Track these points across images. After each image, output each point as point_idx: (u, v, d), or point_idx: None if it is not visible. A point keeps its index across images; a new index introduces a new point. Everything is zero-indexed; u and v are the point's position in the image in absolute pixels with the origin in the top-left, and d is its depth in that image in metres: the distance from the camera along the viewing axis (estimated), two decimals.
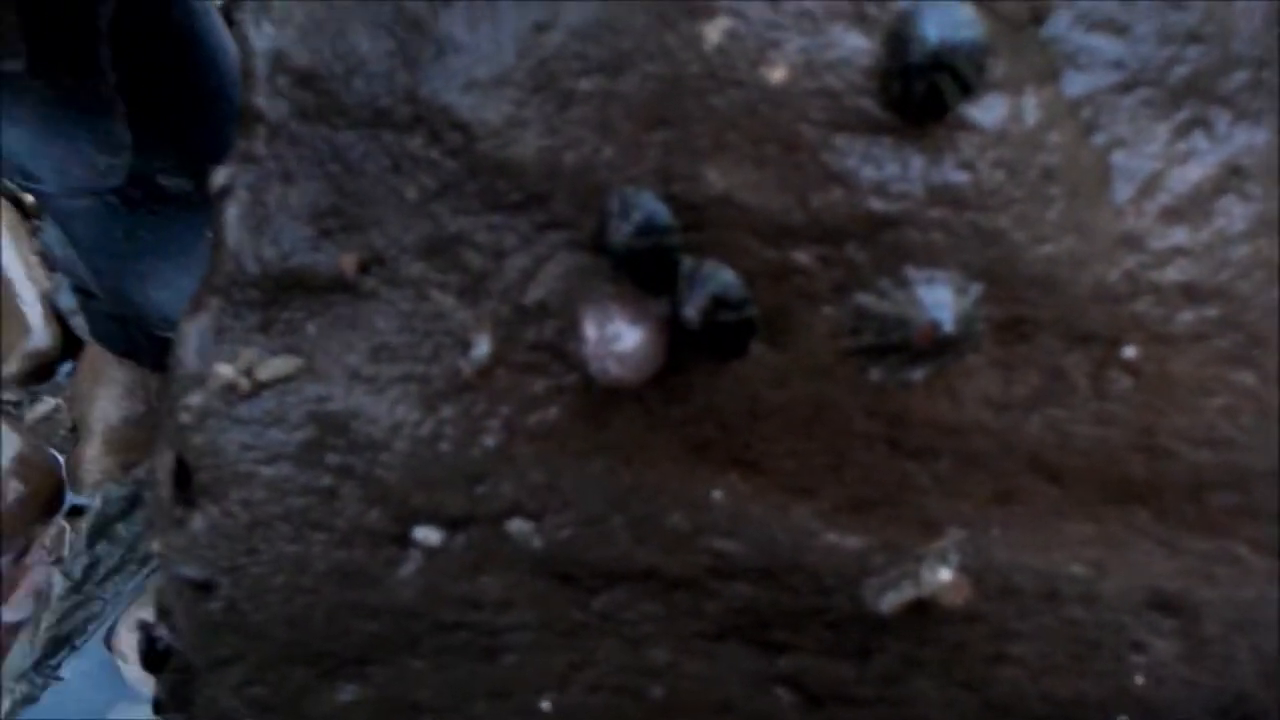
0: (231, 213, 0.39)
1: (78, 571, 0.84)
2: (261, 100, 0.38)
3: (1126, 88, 0.34)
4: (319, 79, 0.37)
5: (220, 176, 0.40)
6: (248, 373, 0.39)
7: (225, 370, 0.39)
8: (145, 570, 0.85)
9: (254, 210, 0.39)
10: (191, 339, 0.40)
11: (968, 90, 0.33)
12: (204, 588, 0.41)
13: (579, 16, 0.34)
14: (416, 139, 0.37)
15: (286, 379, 0.39)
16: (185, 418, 0.40)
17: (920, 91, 0.32)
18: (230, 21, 0.82)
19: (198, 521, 0.41)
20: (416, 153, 0.37)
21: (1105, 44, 0.34)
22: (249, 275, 0.39)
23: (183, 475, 0.41)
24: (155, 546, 0.43)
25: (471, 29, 0.35)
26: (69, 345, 1.04)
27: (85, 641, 0.82)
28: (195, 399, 0.40)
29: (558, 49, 0.34)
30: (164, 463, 0.42)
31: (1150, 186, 0.34)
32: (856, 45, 0.33)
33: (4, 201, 1.09)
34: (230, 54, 0.80)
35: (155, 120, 0.76)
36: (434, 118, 0.36)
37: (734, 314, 0.34)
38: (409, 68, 0.36)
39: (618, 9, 0.34)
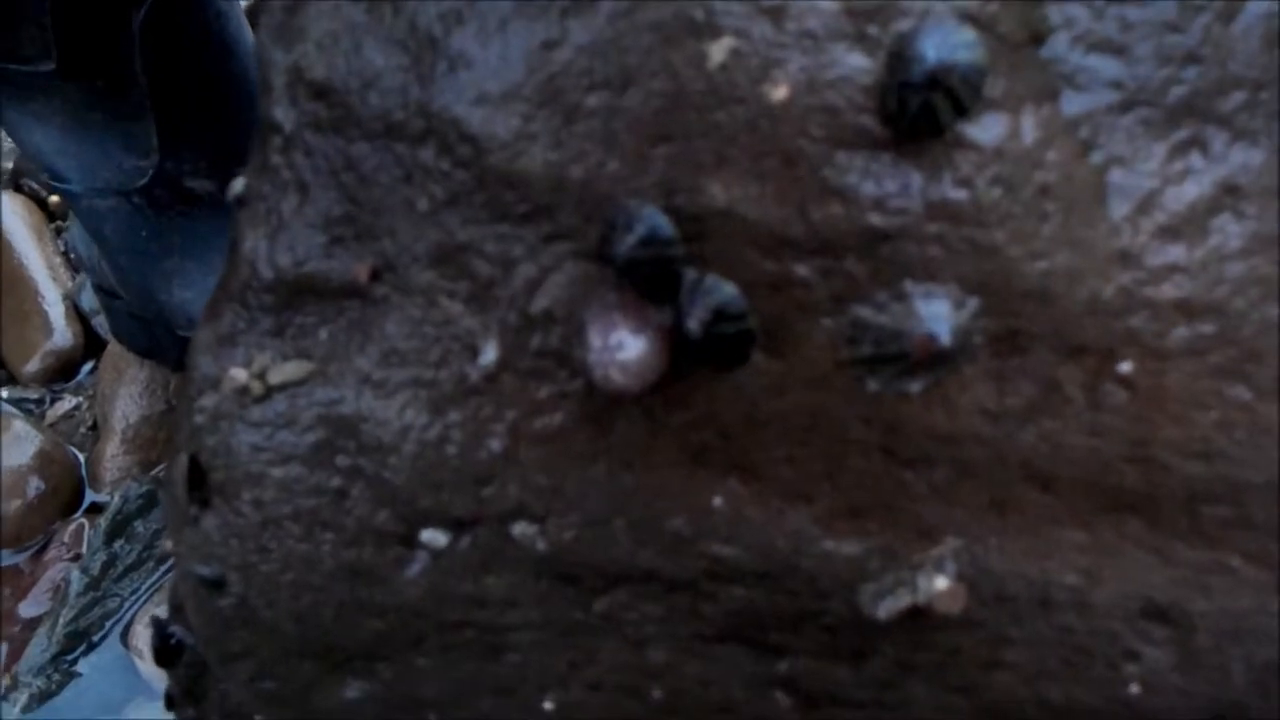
0: (247, 220, 0.40)
1: (96, 568, 0.84)
2: (278, 111, 0.39)
3: (1124, 107, 0.34)
4: (335, 92, 0.38)
5: (237, 185, 0.41)
6: (260, 376, 0.40)
7: (239, 374, 0.40)
8: (162, 568, 0.85)
9: (269, 218, 0.39)
10: (207, 343, 0.41)
11: (962, 111, 0.33)
12: (216, 584, 0.42)
13: (587, 35, 0.35)
14: (428, 151, 0.37)
15: (298, 383, 0.40)
16: (200, 419, 0.41)
17: (914, 108, 0.32)
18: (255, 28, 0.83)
19: (210, 520, 0.42)
20: (428, 164, 0.37)
21: (1104, 64, 0.34)
22: (263, 281, 0.40)
23: (197, 475, 0.42)
24: (170, 544, 0.44)
25: (483, 46, 0.36)
26: (91, 344, 1.05)
27: (102, 638, 0.82)
28: (209, 401, 0.41)
29: (565, 65, 0.35)
30: (179, 463, 0.42)
31: (1147, 204, 0.34)
32: (857, 64, 0.33)
33: (28, 203, 1.11)
34: None
35: (184, 123, 0.76)
36: (445, 130, 0.37)
37: (734, 325, 0.34)
38: (422, 82, 0.37)
39: (625, 28, 0.34)
